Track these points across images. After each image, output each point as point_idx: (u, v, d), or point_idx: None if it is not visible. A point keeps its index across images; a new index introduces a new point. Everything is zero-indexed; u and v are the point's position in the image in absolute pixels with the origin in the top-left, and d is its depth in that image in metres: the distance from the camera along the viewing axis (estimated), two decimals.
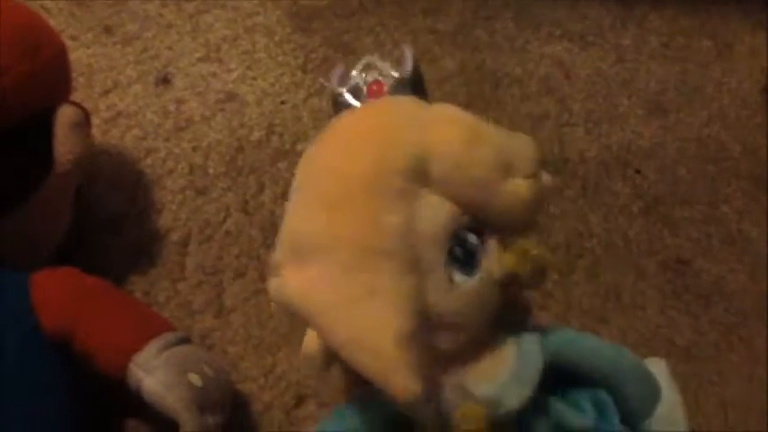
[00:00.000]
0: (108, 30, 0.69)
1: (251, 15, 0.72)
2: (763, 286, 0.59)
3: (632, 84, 0.72)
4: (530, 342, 0.39)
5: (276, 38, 0.70)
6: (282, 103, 0.65)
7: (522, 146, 0.39)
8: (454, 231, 0.37)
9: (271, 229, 0.57)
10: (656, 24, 0.77)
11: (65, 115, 0.46)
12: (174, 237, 0.56)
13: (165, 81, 0.66)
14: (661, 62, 0.74)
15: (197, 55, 0.68)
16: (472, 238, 0.37)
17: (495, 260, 0.38)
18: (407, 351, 0.33)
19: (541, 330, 0.40)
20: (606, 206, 0.62)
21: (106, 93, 0.64)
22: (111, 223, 0.56)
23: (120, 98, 0.64)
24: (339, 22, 0.72)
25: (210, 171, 0.60)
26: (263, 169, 0.60)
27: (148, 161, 0.60)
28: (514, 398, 0.37)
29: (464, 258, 0.37)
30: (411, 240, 0.35)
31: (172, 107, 0.64)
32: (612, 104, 0.70)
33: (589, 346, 0.41)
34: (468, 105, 0.64)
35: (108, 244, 0.55)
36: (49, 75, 0.47)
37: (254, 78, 0.67)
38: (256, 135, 0.63)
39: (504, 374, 0.37)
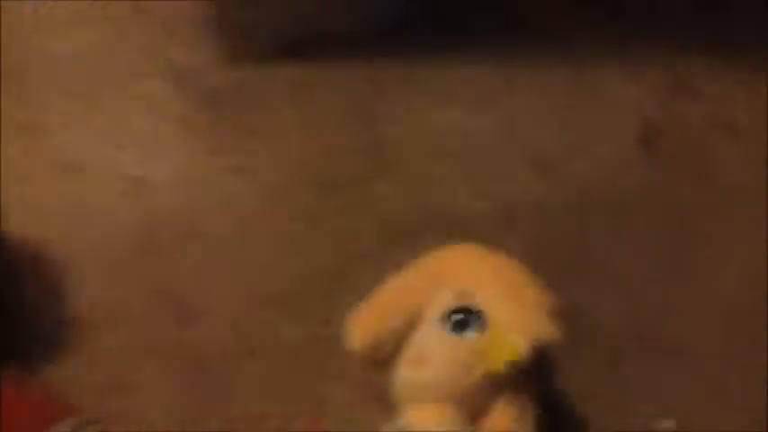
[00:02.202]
0: (21, 127, 0.71)
1: (158, 102, 0.75)
2: None
3: (516, 142, 0.77)
4: None
5: (181, 122, 0.74)
6: (190, 186, 0.69)
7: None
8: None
9: (183, 309, 0.60)
10: (535, 87, 0.83)
11: None
12: (88, 320, 0.59)
13: (75, 170, 0.69)
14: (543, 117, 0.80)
15: (107, 143, 0.71)
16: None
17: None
18: None
19: None
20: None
21: None
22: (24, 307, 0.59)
23: (31, 190, 0.67)
24: (242, 103, 0.76)
25: (122, 256, 0.63)
26: (173, 251, 0.64)
27: (60, 249, 0.63)
28: None
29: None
30: None
31: (80, 196, 0.67)
32: (499, 162, 0.75)
33: None
34: (365, 178, 0.69)
35: (19, 329, 0.58)
36: None
37: (162, 162, 0.70)
38: (165, 218, 0.66)
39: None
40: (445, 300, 0.49)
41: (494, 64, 0.81)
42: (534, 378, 0.50)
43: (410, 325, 0.49)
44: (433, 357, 0.48)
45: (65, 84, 0.76)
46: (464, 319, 0.48)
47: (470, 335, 0.48)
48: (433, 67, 0.80)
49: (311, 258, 0.64)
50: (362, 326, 0.49)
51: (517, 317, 0.48)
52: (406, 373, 0.48)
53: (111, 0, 0.86)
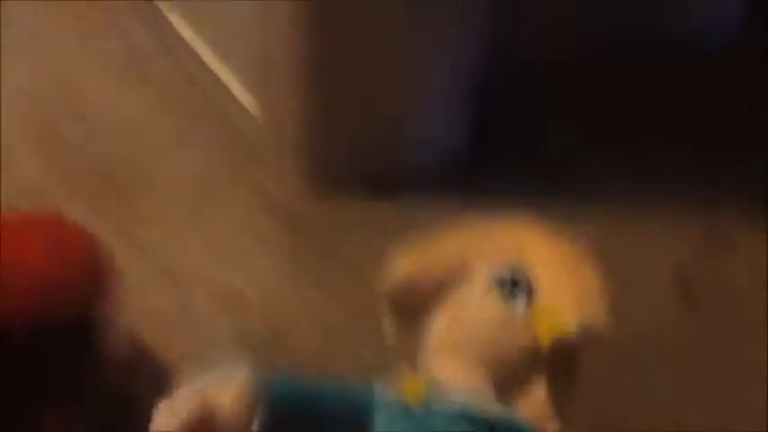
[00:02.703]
0: (124, 234, 0.80)
1: (248, 223, 0.84)
2: None
3: None
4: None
5: (271, 244, 0.82)
6: (279, 302, 0.76)
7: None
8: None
9: None
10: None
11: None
12: None
13: (174, 279, 0.76)
14: None
15: (203, 257, 0.79)
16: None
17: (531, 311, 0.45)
18: None
19: None
20: None
21: None
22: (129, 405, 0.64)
23: (136, 294, 0.73)
24: (328, 232, 0.84)
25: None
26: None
27: (164, 350, 0.69)
28: (460, 397, 0.44)
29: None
30: None
31: (182, 303, 0.74)
32: None
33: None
34: None
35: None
36: (96, 282, 0.56)
37: (254, 278, 0.77)
38: (258, 328, 0.73)
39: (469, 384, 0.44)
40: (498, 265, 0.46)
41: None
42: (575, 368, 0.47)
43: (453, 281, 0.46)
44: (476, 317, 0.45)
45: (167, 202, 0.86)
46: (514, 287, 0.45)
47: (519, 305, 0.45)
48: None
49: None
50: (404, 267, 0.47)
51: (571, 296, 0.45)
52: (443, 325, 0.46)
53: (203, 127, 0.97)
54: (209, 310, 0.74)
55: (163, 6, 1.05)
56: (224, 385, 0.42)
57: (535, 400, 0.45)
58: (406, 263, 0.47)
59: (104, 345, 0.55)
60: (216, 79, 0.99)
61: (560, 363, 0.45)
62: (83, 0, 1.06)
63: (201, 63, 1.00)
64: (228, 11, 0.94)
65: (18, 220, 0.55)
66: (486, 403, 0.43)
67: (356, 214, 0.86)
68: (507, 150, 0.92)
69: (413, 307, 0.47)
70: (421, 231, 0.49)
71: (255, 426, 0.42)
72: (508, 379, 0.45)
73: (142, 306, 0.72)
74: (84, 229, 0.59)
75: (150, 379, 0.66)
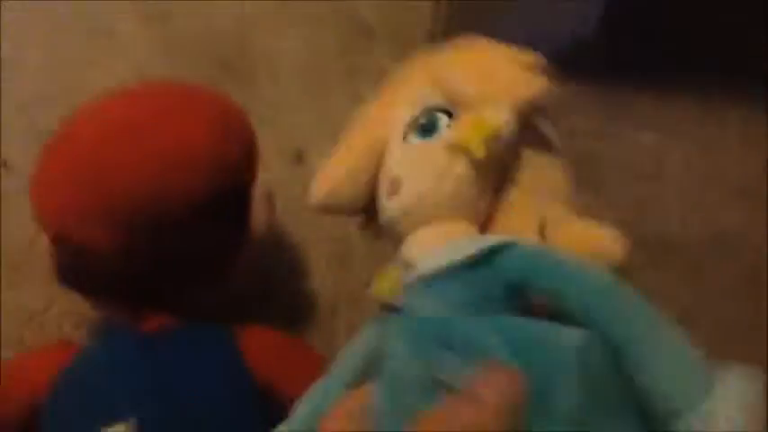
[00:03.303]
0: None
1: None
2: None
3: (718, 172, 0.78)
4: (495, 240, 0.34)
5: None
6: None
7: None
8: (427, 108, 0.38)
9: None
10: (733, 118, 0.84)
11: (260, 191, 0.52)
12: (324, 300, 0.61)
13: (299, 159, 0.72)
14: (743, 152, 0.80)
15: (326, 136, 0.75)
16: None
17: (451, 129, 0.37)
18: None
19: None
20: (710, 287, 0.67)
21: None
22: (263, 285, 0.62)
23: (261, 173, 0.70)
24: None
25: (352, 241, 0.66)
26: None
27: (294, 230, 0.66)
28: (429, 264, 0.34)
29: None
30: None
31: (309, 182, 0.70)
32: (702, 191, 0.76)
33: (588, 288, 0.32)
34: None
35: (262, 303, 0.61)
36: (251, 153, 0.53)
37: None
38: None
39: (437, 246, 0.35)
40: (403, 114, 0.39)
41: None
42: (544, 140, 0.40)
43: (376, 158, 0.40)
44: (406, 173, 0.37)
45: (282, 76, 0.81)
46: (429, 121, 0.37)
47: (441, 133, 0.37)
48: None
49: None
50: (320, 179, 0.42)
51: (489, 87, 0.37)
52: (386, 205, 0.38)
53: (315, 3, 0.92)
54: None
55: None
56: None
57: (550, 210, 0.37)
58: (319, 186, 0.42)
59: (253, 221, 0.52)
60: None
61: (516, 155, 0.38)
62: None
63: None
64: None
65: (172, 95, 0.51)
66: (466, 244, 0.34)
67: None
68: None
69: (350, 205, 0.41)
70: None
71: None
72: (480, 213, 0.37)
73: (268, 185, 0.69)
74: (236, 102, 0.55)
75: (279, 255, 0.64)
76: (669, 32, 0.96)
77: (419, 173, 0.36)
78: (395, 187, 0.37)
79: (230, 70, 0.82)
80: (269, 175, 0.70)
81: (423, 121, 0.38)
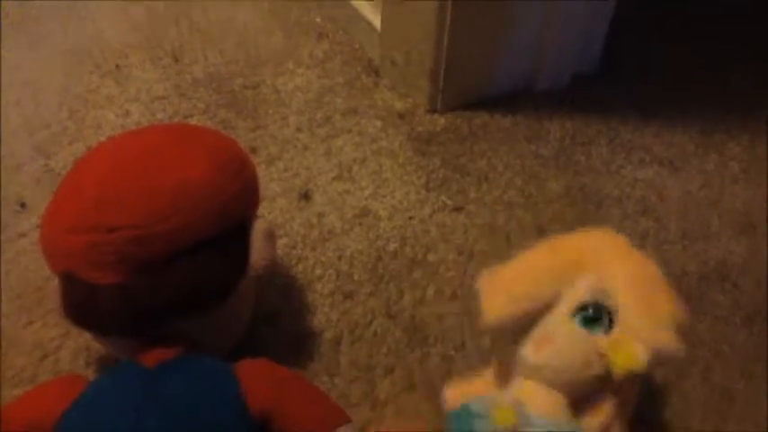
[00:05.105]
0: (253, 151, 0.79)
1: (375, 140, 0.81)
2: None
3: (719, 205, 0.79)
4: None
5: (400, 160, 0.79)
6: (411, 218, 0.73)
7: None
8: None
9: (413, 331, 0.63)
10: (735, 151, 0.85)
11: (261, 228, 0.54)
12: (328, 335, 0.63)
13: (305, 197, 0.74)
14: (743, 185, 0.81)
15: (331, 174, 0.77)
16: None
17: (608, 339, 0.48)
18: None
19: None
20: (711, 316, 0.68)
21: None
22: (269, 319, 0.63)
23: (269, 211, 0.72)
24: (454, 146, 0.81)
25: (355, 278, 0.67)
26: (401, 277, 0.68)
27: (299, 267, 0.68)
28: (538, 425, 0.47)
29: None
30: None
31: (314, 220, 0.72)
32: (704, 224, 0.76)
33: None
34: (573, 224, 0.73)
35: (267, 337, 0.62)
36: (249, 190, 0.55)
37: (384, 196, 0.75)
38: (392, 246, 0.70)
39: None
40: (580, 291, 0.49)
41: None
42: (638, 385, 0.52)
43: (545, 309, 0.50)
44: (557, 344, 0.48)
45: (290, 115, 0.84)
46: (595, 315, 0.49)
47: (598, 331, 0.48)
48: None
49: None
50: (497, 305, 0.50)
51: (646, 324, 0.48)
52: (528, 352, 0.49)
53: (321, 43, 0.95)
54: (341, 228, 0.72)
55: None
56: None
57: (605, 414, 0.49)
58: (495, 306, 0.50)
59: (250, 254, 0.53)
60: None
61: (629, 381, 0.49)
62: None
63: None
64: None
65: (174, 135, 0.54)
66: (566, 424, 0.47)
67: (483, 129, 0.83)
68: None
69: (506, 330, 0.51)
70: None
71: None
72: (581, 397, 0.48)
73: (274, 222, 0.71)
74: (234, 140, 0.58)
75: (285, 291, 0.66)
76: (669, 67, 0.98)
77: (567, 352, 0.48)
78: (543, 346, 0.48)
79: (240, 110, 0.85)
80: (276, 212, 0.72)
81: (591, 312, 0.49)
